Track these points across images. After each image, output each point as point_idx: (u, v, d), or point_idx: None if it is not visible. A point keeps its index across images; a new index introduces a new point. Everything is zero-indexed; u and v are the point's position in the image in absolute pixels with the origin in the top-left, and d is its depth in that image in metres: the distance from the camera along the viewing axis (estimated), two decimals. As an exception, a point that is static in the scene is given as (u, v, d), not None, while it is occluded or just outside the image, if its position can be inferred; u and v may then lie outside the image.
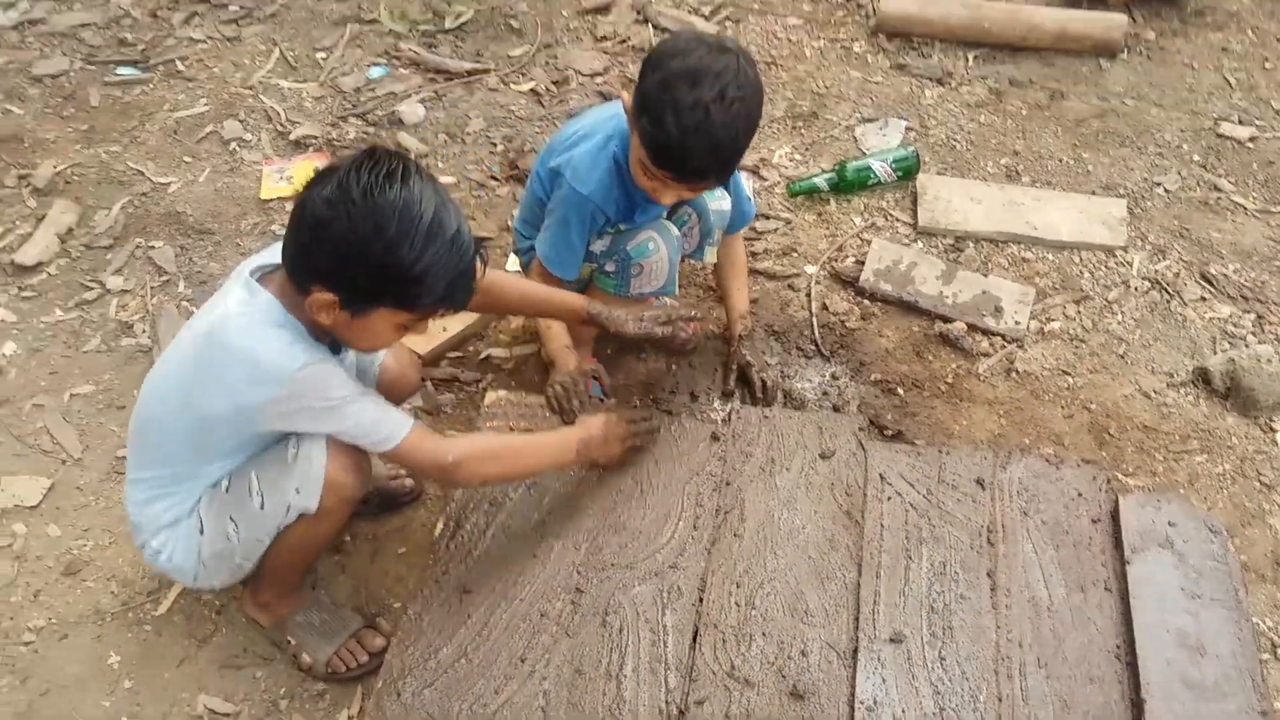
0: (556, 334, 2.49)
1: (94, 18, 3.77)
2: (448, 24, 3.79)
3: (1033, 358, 2.84)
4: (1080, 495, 2.23)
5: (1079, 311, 2.96)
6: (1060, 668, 1.96)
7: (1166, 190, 3.30)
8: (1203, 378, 2.78)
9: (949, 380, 2.79)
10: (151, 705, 2.15)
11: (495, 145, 3.39)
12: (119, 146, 3.35)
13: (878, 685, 1.92)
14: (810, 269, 3.04)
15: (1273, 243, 3.15)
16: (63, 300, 2.94)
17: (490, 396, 2.43)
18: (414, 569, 2.34)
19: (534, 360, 2.81)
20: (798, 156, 3.38)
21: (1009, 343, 2.87)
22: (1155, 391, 2.77)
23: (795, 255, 3.09)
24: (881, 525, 2.17)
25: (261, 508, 1.96)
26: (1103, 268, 3.07)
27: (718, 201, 2.58)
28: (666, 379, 2.71)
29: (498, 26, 3.79)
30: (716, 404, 2.67)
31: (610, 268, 2.46)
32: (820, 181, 3.24)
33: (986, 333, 2.89)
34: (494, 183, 3.28)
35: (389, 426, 1.92)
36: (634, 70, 3.60)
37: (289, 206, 3.13)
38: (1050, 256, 3.10)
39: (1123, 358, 2.85)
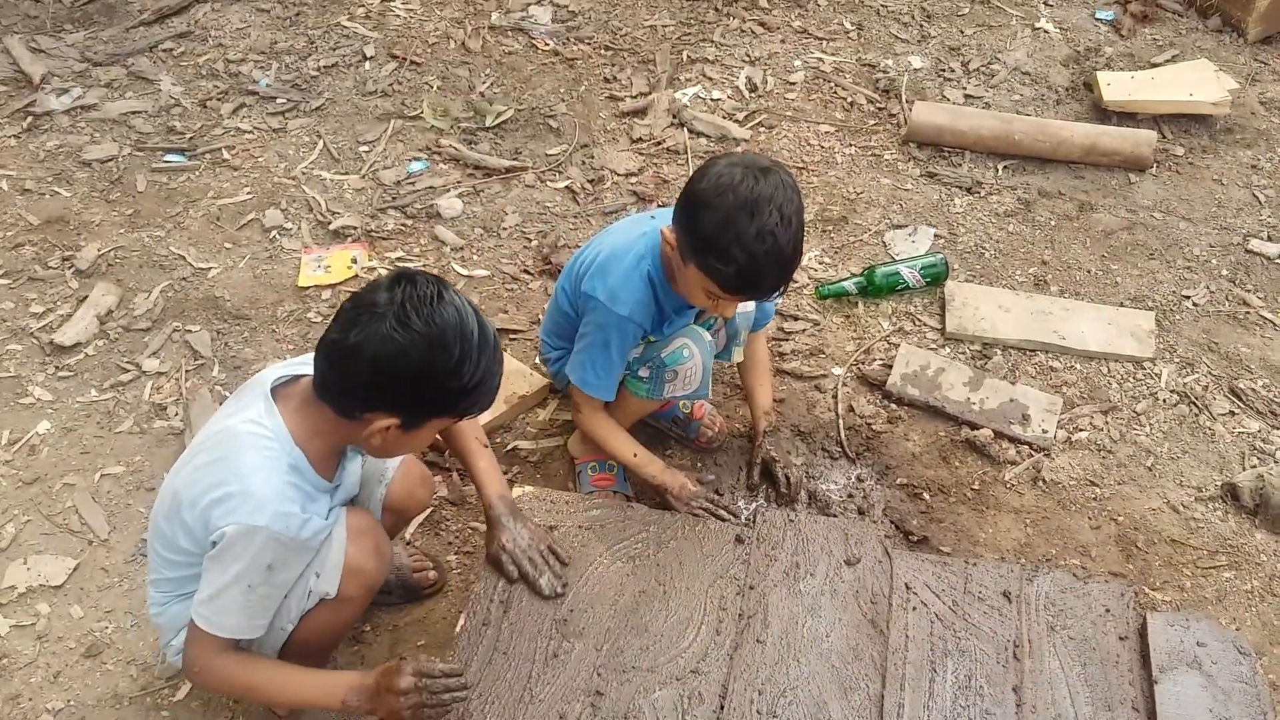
0: (643, 456, 2.57)
1: (145, 106, 3.88)
2: (488, 122, 3.88)
3: (1060, 467, 2.83)
4: (1108, 611, 2.20)
5: (1107, 422, 2.95)
6: (1087, 790, 1.92)
7: (1195, 304, 3.31)
8: (1231, 493, 2.76)
9: (975, 487, 2.78)
10: (164, 793, 2.14)
11: (530, 240, 3.45)
12: (162, 231, 3.43)
13: (900, 801, 1.89)
14: (837, 371, 3.06)
15: (1302, 359, 3.15)
16: (99, 381, 2.98)
17: (515, 491, 2.44)
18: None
19: (559, 453, 2.83)
20: (827, 260, 3.42)
21: (1036, 451, 2.86)
22: (1183, 505, 2.75)
23: (823, 356, 3.11)
24: (906, 636, 2.14)
25: (284, 595, 1.96)
26: (1131, 379, 3.07)
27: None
28: (691, 475, 2.71)
29: (537, 126, 3.88)
30: (741, 501, 2.67)
31: (644, 373, 2.49)
32: (849, 285, 3.27)
33: (1013, 440, 2.88)
34: (527, 276, 3.33)
35: (220, 618, 1.88)
36: (669, 171, 3.68)
37: (325, 295, 3.22)
38: (1078, 366, 3.11)
39: (1150, 470, 2.84)
